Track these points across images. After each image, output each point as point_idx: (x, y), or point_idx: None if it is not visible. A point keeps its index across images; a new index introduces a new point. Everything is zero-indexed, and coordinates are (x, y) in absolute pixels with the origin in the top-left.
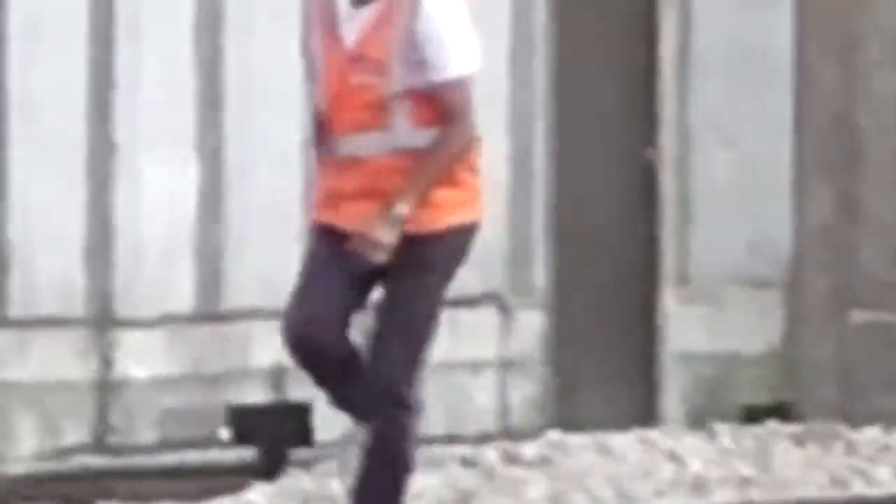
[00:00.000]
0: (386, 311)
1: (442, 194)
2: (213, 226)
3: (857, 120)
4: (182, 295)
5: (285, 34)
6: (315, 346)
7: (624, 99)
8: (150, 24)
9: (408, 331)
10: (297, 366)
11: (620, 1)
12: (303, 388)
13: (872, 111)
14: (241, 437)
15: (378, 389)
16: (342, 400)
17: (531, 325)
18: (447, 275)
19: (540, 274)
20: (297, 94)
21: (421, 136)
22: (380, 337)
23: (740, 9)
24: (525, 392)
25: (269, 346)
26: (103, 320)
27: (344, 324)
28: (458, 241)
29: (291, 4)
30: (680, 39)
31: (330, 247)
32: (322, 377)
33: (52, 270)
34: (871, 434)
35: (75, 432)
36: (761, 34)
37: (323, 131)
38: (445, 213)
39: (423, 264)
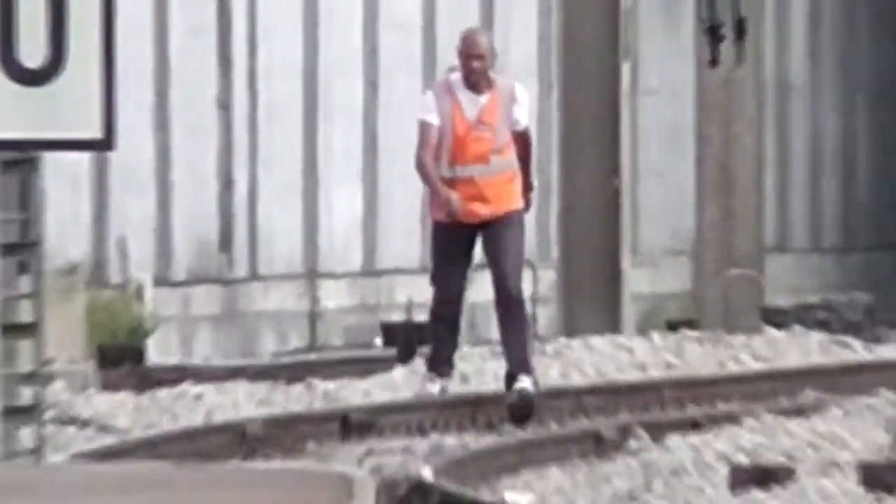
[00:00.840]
0: (499, 255)
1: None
2: (371, 222)
3: (731, 164)
4: (355, 260)
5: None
6: (450, 310)
7: (604, 152)
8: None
9: (519, 293)
10: (436, 318)
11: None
12: (422, 314)
13: (739, 160)
14: (387, 341)
15: (512, 339)
16: (440, 351)
17: (549, 278)
18: (523, 229)
19: (554, 249)
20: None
21: (500, 166)
22: (503, 295)
23: (669, 100)
24: (546, 315)
25: (404, 290)
26: (312, 274)
27: (464, 288)
28: (521, 214)
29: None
30: (632, 123)
31: (449, 236)
32: (444, 328)
33: (284, 246)
34: (740, 339)
35: (297, 340)
36: (678, 115)
37: (436, 159)
38: (519, 201)
39: (513, 233)
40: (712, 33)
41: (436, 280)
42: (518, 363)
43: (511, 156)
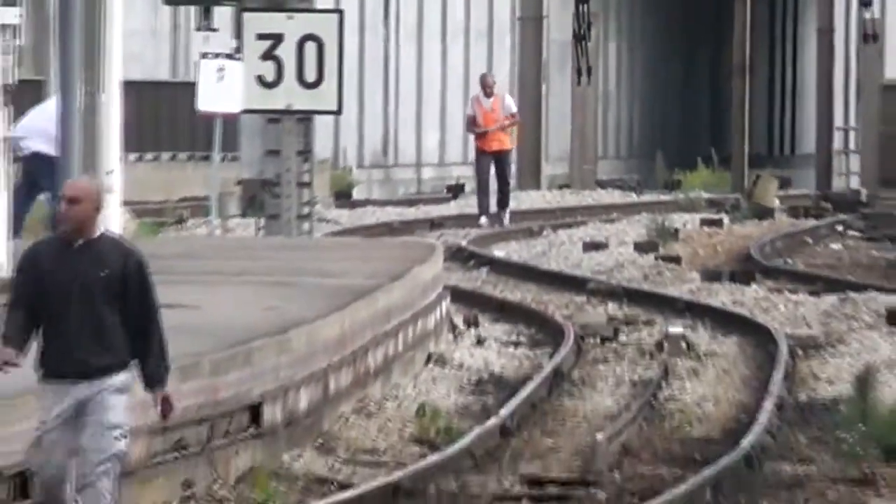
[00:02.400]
0: (499, 172)
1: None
2: (444, 143)
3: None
4: (438, 157)
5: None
6: (484, 183)
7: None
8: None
9: (507, 177)
10: (479, 188)
11: None
12: (464, 182)
13: (590, 121)
14: (449, 191)
15: (502, 195)
16: (482, 203)
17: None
18: (511, 155)
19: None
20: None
21: (504, 127)
22: (501, 178)
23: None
24: (514, 185)
25: (458, 170)
26: (418, 163)
27: (489, 175)
28: (510, 151)
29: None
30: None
31: (485, 157)
32: (482, 192)
33: (407, 151)
34: (587, 193)
35: (413, 190)
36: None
37: (476, 127)
38: (511, 143)
39: (508, 156)
40: (578, 73)
41: (478, 173)
42: (503, 202)
43: (510, 124)
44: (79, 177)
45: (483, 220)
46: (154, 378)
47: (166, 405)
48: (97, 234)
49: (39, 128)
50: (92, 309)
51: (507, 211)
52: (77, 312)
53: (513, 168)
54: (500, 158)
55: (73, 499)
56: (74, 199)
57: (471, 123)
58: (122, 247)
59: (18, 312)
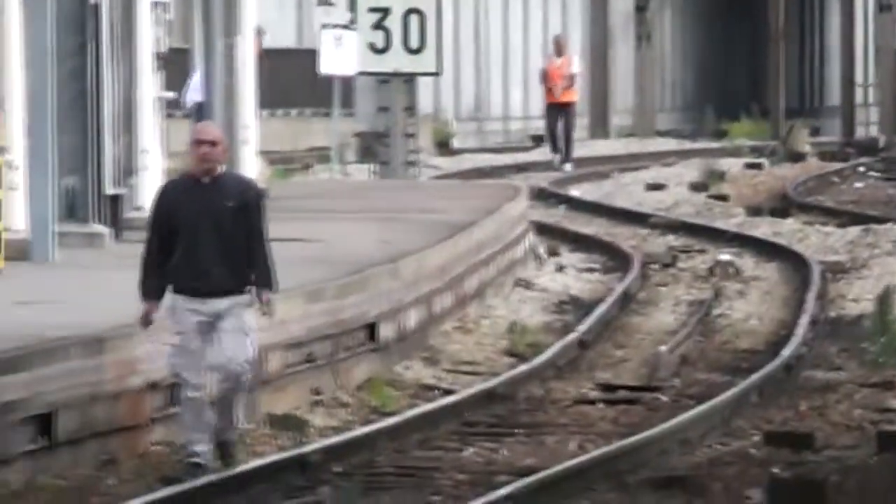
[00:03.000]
0: (564, 122)
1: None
2: (527, 99)
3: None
4: (521, 111)
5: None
6: (555, 140)
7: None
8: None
9: (571, 126)
10: (549, 133)
11: None
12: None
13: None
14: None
15: (567, 141)
16: (554, 146)
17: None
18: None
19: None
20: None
21: (568, 85)
22: (566, 127)
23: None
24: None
25: (539, 124)
26: (505, 118)
27: (558, 124)
28: (575, 103)
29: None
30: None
31: (553, 108)
32: (552, 137)
33: (496, 107)
34: (650, 140)
35: (502, 140)
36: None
37: (547, 84)
38: (575, 97)
39: (573, 108)
40: (638, 38)
41: (547, 122)
42: (568, 151)
43: (572, 82)
44: (207, 123)
45: (559, 162)
46: (259, 283)
47: (268, 309)
48: (221, 171)
49: (199, 84)
50: (220, 235)
51: (571, 156)
52: (208, 238)
53: (577, 119)
54: (566, 110)
55: (210, 406)
56: (215, 141)
57: (543, 78)
58: (243, 181)
59: (154, 255)
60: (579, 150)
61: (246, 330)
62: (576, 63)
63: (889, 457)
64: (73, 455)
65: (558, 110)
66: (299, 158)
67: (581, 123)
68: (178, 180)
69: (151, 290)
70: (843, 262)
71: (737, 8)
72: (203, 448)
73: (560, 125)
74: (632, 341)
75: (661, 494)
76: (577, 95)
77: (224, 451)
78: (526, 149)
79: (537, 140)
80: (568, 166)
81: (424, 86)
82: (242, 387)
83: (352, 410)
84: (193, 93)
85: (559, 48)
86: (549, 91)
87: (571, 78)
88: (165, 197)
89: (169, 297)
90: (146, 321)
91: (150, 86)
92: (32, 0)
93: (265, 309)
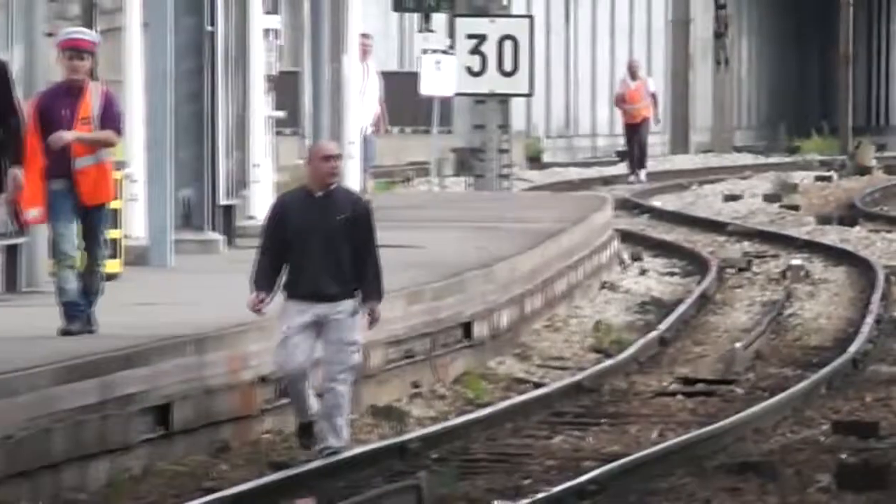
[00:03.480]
0: (638, 139)
1: None
2: (612, 118)
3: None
4: (609, 130)
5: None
6: (633, 156)
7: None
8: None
9: (645, 143)
10: (628, 147)
11: None
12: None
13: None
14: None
15: (641, 156)
16: (630, 163)
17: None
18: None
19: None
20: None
21: (643, 105)
22: (640, 144)
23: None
24: (660, 150)
25: (620, 141)
26: (594, 135)
27: (634, 151)
28: (649, 120)
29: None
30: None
31: (630, 127)
32: (631, 155)
33: (584, 124)
34: (726, 155)
35: (590, 155)
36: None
37: (623, 103)
38: (649, 116)
39: (646, 126)
40: (717, 62)
41: (626, 140)
42: (641, 162)
43: (648, 102)
44: (326, 140)
45: (632, 177)
46: (367, 295)
47: (373, 316)
48: (334, 185)
49: None
50: (331, 245)
51: (645, 170)
52: (319, 249)
53: (659, 136)
54: (641, 127)
55: (314, 399)
56: (339, 156)
57: (619, 100)
58: (353, 194)
59: (267, 257)
60: (662, 165)
61: (350, 340)
62: (651, 83)
63: None
64: (188, 443)
65: (635, 129)
66: (400, 172)
67: (662, 140)
68: (294, 193)
69: (262, 285)
70: None
71: (808, 32)
72: (315, 410)
73: (635, 139)
74: (709, 338)
75: (735, 479)
76: (651, 112)
77: (309, 435)
78: (612, 163)
79: (622, 155)
80: (642, 175)
81: (517, 105)
82: (344, 387)
83: (448, 402)
84: None
85: (633, 72)
86: (626, 112)
87: (653, 97)
88: (281, 208)
89: (281, 300)
90: (255, 307)
91: (261, 106)
92: (153, 27)
93: (371, 317)
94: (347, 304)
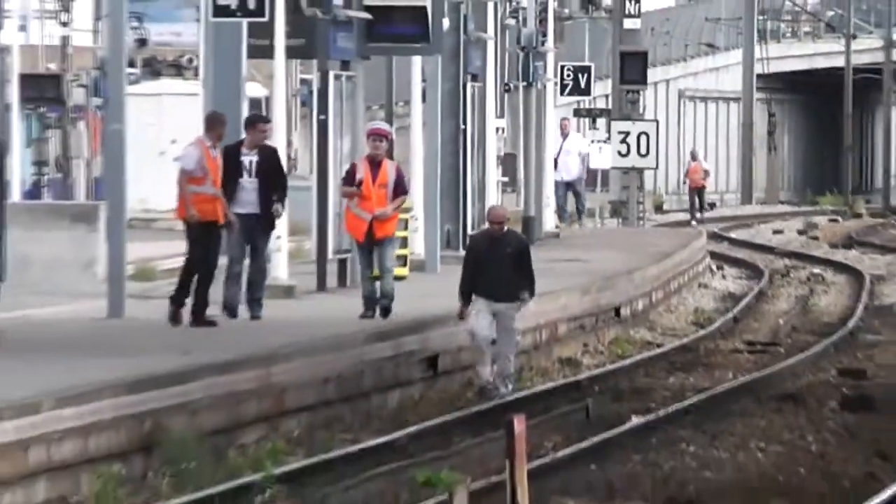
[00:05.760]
0: (699, 196)
1: None
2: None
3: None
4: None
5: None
6: (694, 208)
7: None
8: None
9: (704, 197)
10: (691, 207)
11: None
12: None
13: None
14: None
15: (700, 207)
16: (693, 214)
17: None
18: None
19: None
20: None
21: (705, 175)
22: (700, 199)
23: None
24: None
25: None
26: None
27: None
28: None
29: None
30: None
31: (693, 191)
32: (693, 209)
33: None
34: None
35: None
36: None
37: (689, 177)
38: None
39: (705, 188)
40: (769, 148)
41: (690, 199)
42: (702, 212)
43: (707, 175)
44: (499, 206)
45: (693, 221)
46: (526, 296)
47: (524, 303)
48: (505, 229)
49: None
50: (503, 266)
51: (700, 214)
52: (496, 268)
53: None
54: (701, 190)
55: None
56: (507, 219)
57: (686, 174)
58: (517, 235)
59: (468, 276)
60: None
61: (514, 328)
62: (704, 163)
63: None
64: (447, 381)
65: (697, 192)
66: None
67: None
68: (484, 232)
69: (465, 297)
70: (883, 275)
71: (824, 131)
72: (488, 377)
73: (697, 199)
74: (763, 317)
75: (780, 404)
76: (707, 180)
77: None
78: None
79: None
80: (695, 220)
81: (648, 174)
82: (509, 368)
83: (605, 356)
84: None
85: (694, 156)
86: (691, 181)
87: (706, 172)
88: (475, 242)
89: (474, 298)
90: (461, 315)
91: (493, 174)
92: (428, 126)
93: (524, 305)
94: (514, 304)
